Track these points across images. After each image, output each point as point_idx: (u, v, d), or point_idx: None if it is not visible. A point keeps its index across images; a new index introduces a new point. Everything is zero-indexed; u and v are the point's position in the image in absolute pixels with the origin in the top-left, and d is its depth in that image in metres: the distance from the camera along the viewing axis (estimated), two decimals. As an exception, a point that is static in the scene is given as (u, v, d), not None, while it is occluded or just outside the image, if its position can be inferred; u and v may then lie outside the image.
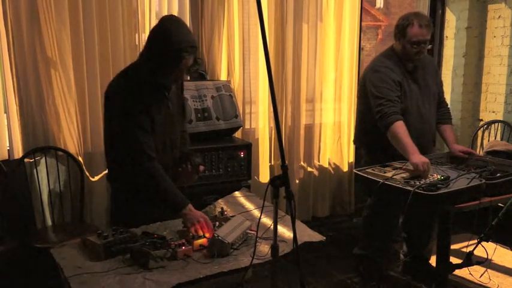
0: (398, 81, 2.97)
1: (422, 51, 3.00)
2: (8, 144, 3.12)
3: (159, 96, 2.21)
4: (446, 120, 3.23)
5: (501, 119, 4.62)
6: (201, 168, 2.41)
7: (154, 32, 2.15)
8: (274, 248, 1.74)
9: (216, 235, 1.95)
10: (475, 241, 2.51)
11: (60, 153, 3.17)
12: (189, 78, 3.61)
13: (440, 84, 3.30)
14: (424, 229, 3.29)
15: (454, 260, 2.66)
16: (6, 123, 3.08)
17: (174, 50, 2.06)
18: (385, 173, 2.67)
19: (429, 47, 3.14)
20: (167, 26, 2.10)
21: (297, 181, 4.21)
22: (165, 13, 3.53)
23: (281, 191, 1.68)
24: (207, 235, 2.03)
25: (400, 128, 2.80)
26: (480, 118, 4.87)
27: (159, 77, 2.16)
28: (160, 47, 2.08)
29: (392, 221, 3.27)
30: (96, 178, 3.31)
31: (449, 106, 3.33)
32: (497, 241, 2.87)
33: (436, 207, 2.63)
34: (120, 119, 2.12)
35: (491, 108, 4.75)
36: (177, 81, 2.26)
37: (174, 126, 2.34)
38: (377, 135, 2.98)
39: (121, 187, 2.28)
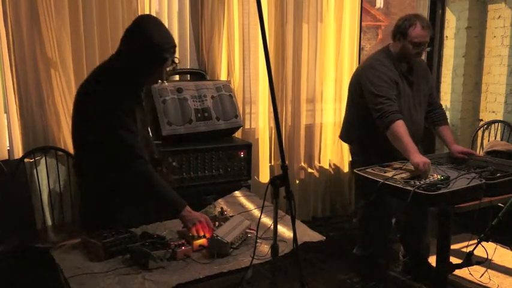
0: (395, 81, 2.98)
1: (422, 53, 3.02)
2: (8, 144, 3.12)
3: (137, 97, 2.18)
4: (443, 121, 3.24)
5: (501, 119, 4.62)
6: (175, 165, 2.39)
7: (133, 33, 2.10)
8: (274, 248, 1.74)
9: (215, 235, 1.95)
10: (475, 241, 2.52)
11: (60, 153, 3.17)
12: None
13: (432, 87, 3.31)
14: (416, 228, 3.29)
15: (454, 260, 2.66)
16: (6, 123, 3.08)
17: (157, 51, 2.04)
18: (385, 173, 2.67)
19: (428, 49, 3.14)
20: (148, 27, 2.07)
21: (297, 181, 4.21)
22: (165, 13, 3.53)
23: (281, 191, 1.68)
24: (208, 235, 2.03)
25: (400, 127, 2.81)
26: (480, 118, 4.87)
27: (140, 77, 2.13)
28: (142, 48, 2.04)
29: (385, 221, 3.28)
30: (96, 178, 3.31)
31: (449, 106, 3.34)
32: (497, 241, 2.88)
33: (432, 207, 2.63)
34: (105, 121, 2.04)
35: (491, 108, 4.75)
36: (157, 81, 2.21)
37: (147, 127, 2.33)
38: (368, 132, 3.01)
39: (95, 191, 2.19)
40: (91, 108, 2.08)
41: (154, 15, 3.50)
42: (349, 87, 3.28)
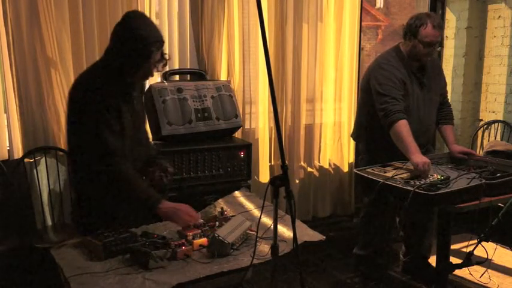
0: (403, 80, 2.97)
1: (433, 53, 2.99)
2: (8, 144, 3.12)
3: (125, 95, 2.18)
4: (448, 120, 3.24)
5: (501, 119, 4.62)
6: (170, 170, 2.36)
7: (120, 28, 2.11)
8: (274, 248, 1.74)
9: (216, 235, 1.95)
10: (475, 241, 2.51)
11: (60, 153, 3.18)
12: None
13: (444, 85, 3.30)
14: (418, 228, 3.29)
15: (454, 260, 2.66)
16: (6, 123, 3.08)
17: (142, 45, 2.04)
18: (385, 172, 2.67)
19: (438, 49, 3.11)
20: (133, 22, 2.08)
21: (297, 181, 4.21)
22: (165, 13, 3.53)
23: (281, 191, 1.68)
24: (194, 221, 2.06)
25: (403, 127, 2.81)
26: (480, 118, 4.87)
27: (127, 74, 2.12)
28: (128, 43, 2.05)
29: (389, 220, 3.28)
30: (96, 178, 3.31)
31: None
32: (497, 241, 2.88)
33: (432, 207, 2.63)
34: (88, 120, 2.06)
35: (491, 108, 4.75)
36: (145, 77, 2.23)
37: (140, 126, 2.32)
38: (376, 131, 3.00)
39: (87, 190, 2.20)
40: (76, 108, 2.12)
41: (155, 15, 3.51)
42: (359, 87, 3.28)
